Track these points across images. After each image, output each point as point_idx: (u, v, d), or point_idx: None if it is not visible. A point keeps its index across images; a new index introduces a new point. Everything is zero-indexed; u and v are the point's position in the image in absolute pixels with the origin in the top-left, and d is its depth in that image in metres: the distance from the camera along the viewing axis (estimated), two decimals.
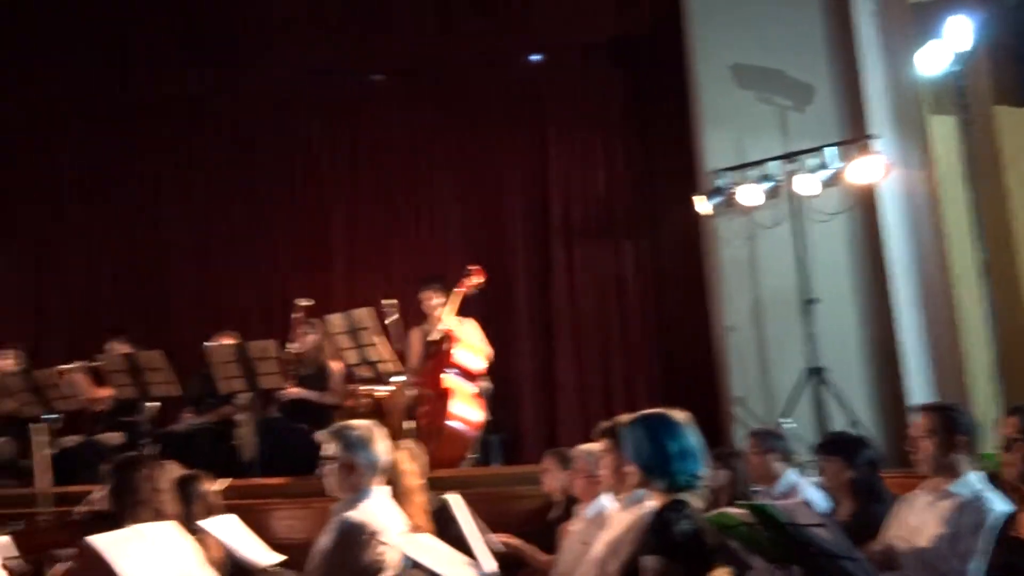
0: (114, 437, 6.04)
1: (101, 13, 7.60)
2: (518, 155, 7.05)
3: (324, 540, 2.78)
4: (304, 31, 7.28)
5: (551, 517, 4.03)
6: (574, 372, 6.66)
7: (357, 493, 2.84)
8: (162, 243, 7.56)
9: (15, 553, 3.09)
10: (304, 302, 5.92)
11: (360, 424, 2.95)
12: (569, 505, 3.82)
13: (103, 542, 2.54)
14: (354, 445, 2.85)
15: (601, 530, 3.00)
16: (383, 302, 5.84)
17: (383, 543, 2.74)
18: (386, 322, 5.75)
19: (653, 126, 6.84)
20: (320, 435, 2.97)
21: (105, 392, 6.12)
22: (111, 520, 2.92)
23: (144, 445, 5.50)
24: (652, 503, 2.48)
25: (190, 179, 7.63)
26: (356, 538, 2.72)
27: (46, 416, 5.47)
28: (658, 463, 2.38)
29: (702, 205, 5.81)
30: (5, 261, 7.89)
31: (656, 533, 2.25)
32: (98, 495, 3.34)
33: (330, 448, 2.89)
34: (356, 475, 2.84)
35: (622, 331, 6.68)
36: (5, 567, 2.90)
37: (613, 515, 2.97)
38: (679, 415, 2.46)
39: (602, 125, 6.98)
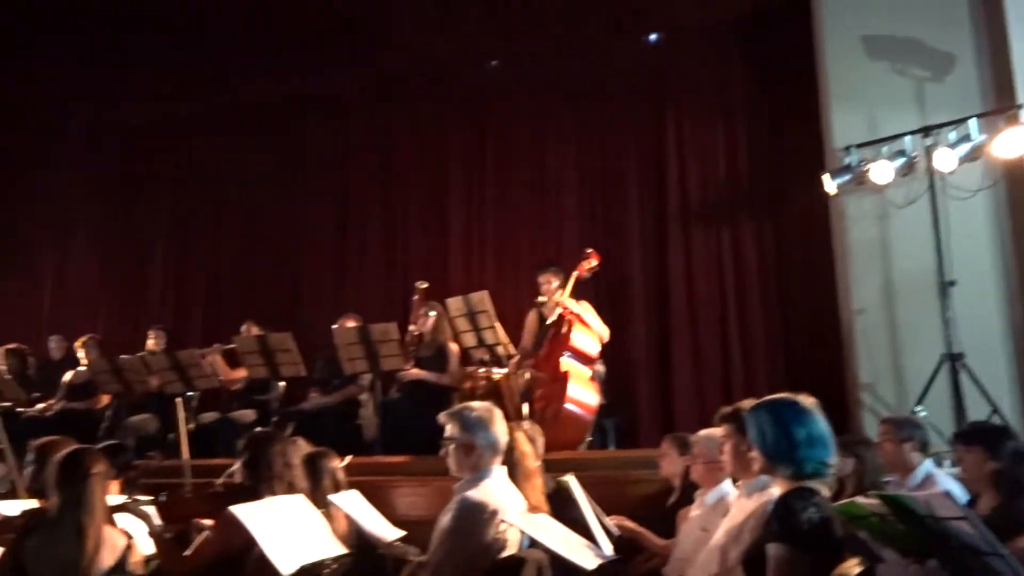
0: (247, 414, 6.38)
1: (228, 14, 8.07)
2: (636, 138, 6.94)
3: (445, 518, 2.83)
4: (425, 19, 7.41)
5: (670, 502, 3.98)
6: (690, 356, 6.53)
7: (477, 473, 2.89)
8: (294, 231, 7.91)
9: (160, 522, 3.30)
10: (423, 285, 6.04)
11: (479, 406, 3.00)
12: (687, 490, 3.77)
13: (242, 511, 2.70)
14: (473, 426, 2.90)
15: (722, 517, 2.94)
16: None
17: (503, 522, 2.78)
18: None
19: (777, 104, 6.59)
20: (441, 416, 3.02)
21: (240, 373, 6.46)
22: (248, 492, 3.09)
23: (274, 423, 5.78)
24: (777, 490, 2.40)
25: (322, 168, 7.93)
26: (477, 517, 2.77)
27: (187, 393, 5.80)
28: (784, 449, 2.30)
29: (830, 184, 5.57)
30: (151, 251, 8.48)
31: (782, 521, 2.18)
32: (235, 468, 3.53)
33: (450, 429, 2.94)
34: (475, 455, 2.88)
35: (741, 315, 6.48)
36: (151, 535, 3.10)
37: (735, 502, 2.90)
38: (807, 400, 2.38)
39: (723, 105, 6.78)
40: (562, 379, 5.13)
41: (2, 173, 9.26)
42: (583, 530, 3.31)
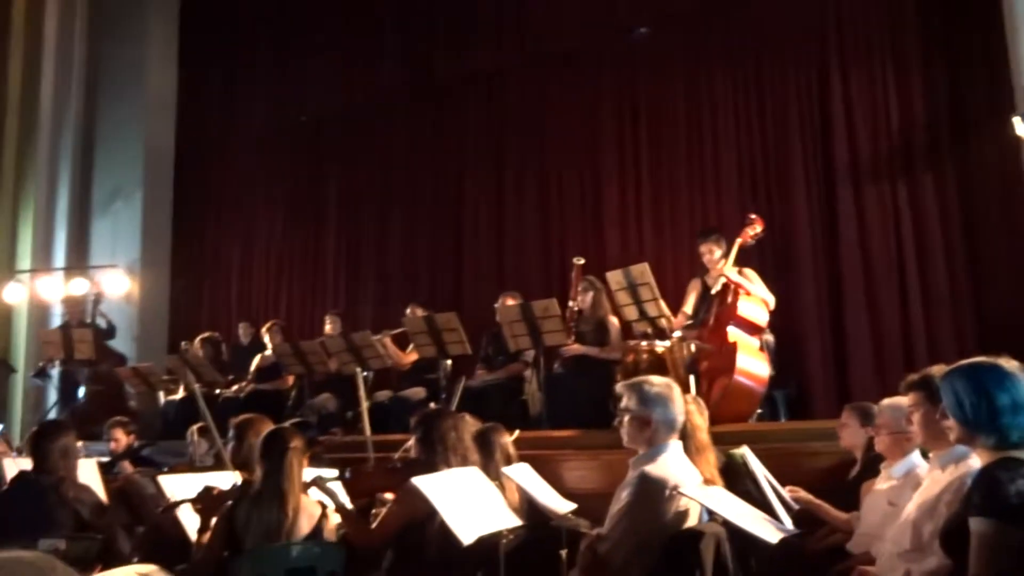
0: (417, 392, 6.64)
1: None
2: (798, 94, 6.56)
3: (624, 494, 2.82)
4: None
5: (851, 475, 3.79)
6: (867, 323, 6.14)
7: (652, 448, 2.86)
8: (455, 212, 8.13)
9: (345, 495, 3.49)
10: (579, 260, 6.04)
11: (659, 381, 2.95)
12: (871, 463, 3.57)
13: (423, 483, 2.81)
14: (651, 401, 2.87)
15: (912, 490, 2.77)
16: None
17: (683, 496, 2.75)
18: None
19: (956, 47, 6.04)
20: (618, 387, 3.01)
21: (410, 356, 6.75)
22: (424, 466, 3.22)
23: (443, 400, 5.99)
24: (977, 461, 2.23)
25: (479, 147, 8.09)
26: (657, 491, 2.75)
27: (363, 373, 6.11)
28: (986, 417, 2.12)
29: (1021, 127, 5.07)
30: (324, 240, 8.97)
31: (986, 494, 2.02)
32: (410, 444, 3.68)
33: (627, 401, 2.92)
34: (650, 430, 2.85)
35: (922, 274, 6.02)
36: (338, 510, 3.29)
37: (927, 474, 2.72)
38: (1010, 364, 2.17)
39: (894, 51, 6.28)
40: (730, 350, 4.98)
41: (191, 173, 10.11)
42: (759, 504, 3.22)
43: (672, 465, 2.83)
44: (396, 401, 6.62)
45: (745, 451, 3.48)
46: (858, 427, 3.79)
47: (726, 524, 2.75)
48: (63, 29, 10.60)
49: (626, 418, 2.90)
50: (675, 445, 2.92)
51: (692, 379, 4.99)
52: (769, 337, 5.47)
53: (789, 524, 3.05)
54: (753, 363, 5.02)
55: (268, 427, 3.68)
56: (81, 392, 8.29)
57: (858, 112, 6.35)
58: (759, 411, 5.28)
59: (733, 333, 5.10)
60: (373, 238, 8.61)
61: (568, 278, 6.26)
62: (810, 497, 3.62)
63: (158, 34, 10.15)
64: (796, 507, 3.51)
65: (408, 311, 6.92)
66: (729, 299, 5.25)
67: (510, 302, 6.26)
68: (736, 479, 3.48)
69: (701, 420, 3.44)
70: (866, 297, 6.17)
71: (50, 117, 10.51)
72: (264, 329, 7.71)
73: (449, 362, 6.21)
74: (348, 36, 8.88)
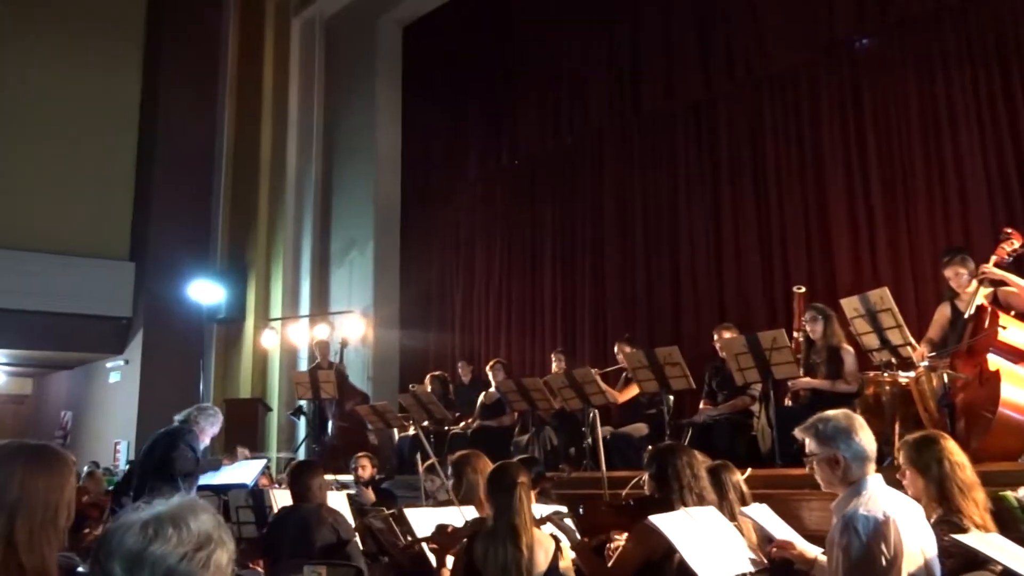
0: (640, 428, 6.56)
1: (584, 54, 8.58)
2: None
3: (838, 541, 2.60)
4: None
5: None
6: None
7: (851, 487, 2.67)
8: (670, 244, 8.03)
9: (577, 531, 3.47)
10: (800, 289, 5.75)
11: (835, 414, 2.78)
12: None
13: (661, 521, 2.75)
14: (832, 438, 2.69)
15: None
16: None
17: (898, 531, 2.49)
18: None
19: None
20: (797, 432, 2.85)
21: (625, 393, 6.70)
22: (660, 503, 3.14)
23: (668, 435, 5.86)
24: None
25: (691, 177, 7.97)
26: (873, 532, 2.51)
27: (587, 409, 6.14)
28: None
29: None
30: (541, 279, 9.18)
31: None
32: (642, 480, 3.61)
33: (809, 444, 2.76)
34: (841, 468, 2.67)
35: None
36: (573, 547, 3.27)
37: None
38: None
39: None
40: (992, 380, 4.46)
41: (416, 222, 10.79)
42: None
43: (880, 498, 2.59)
44: (618, 438, 6.58)
45: (1023, 494, 3.08)
46: None
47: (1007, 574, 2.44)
48: (304, 102, 11.84)
49: (813, 462, 2.73)
50: (875, 479, 2.67)
51: (947, 414, 4.52)
52: None
53: None
54: (1020, 394, 4.47)
55: (485, 462, 3.80)
56: (329, 428, 8.99)
57: None
58: None
59: (994, 361, 4.56)
60: (589, 275, 8.68)
61: (792, 308, 5.95)
62: None
63: (384, 100, 11.03)
64: None
65: (616, 348, 6.89)
66: (987, 323, 4.72)
67: (726, 335, 6.05)
68: (1010, 525, 3.10)
69: (964, 457, 3.09)
70: None
71: (295, 180, 11.72)
72: (488, 367, 7.98)
73: (671, 397, 6.09)
74: (554, 78, 9.16)
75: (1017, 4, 6.09)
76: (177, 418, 5.64)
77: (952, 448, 3.06)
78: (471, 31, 10.18)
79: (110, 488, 8.17)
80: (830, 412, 2.82)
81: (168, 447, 5.37)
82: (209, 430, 5.65)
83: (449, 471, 4.01)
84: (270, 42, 12.27)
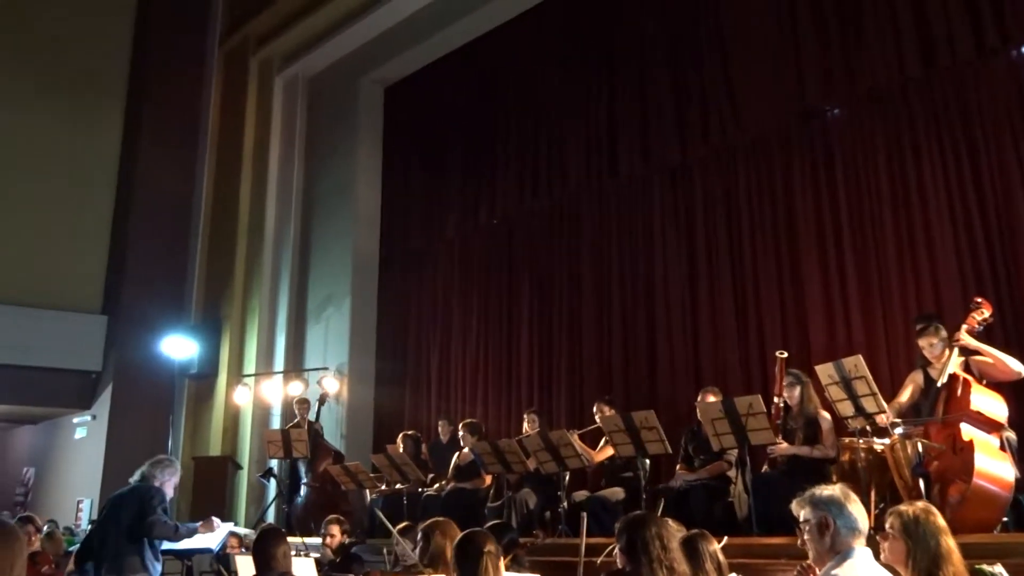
0: (616, 492, 6.48)
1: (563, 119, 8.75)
2: (1022, 161, 5.96)
3: None
4: (760, 81, 7.37)
5: None
6: None
7: (839, 555, 2.73)
8: (646, 307, 8.03)
9: None
10: (783, 354, 5.76)
11: (829, 487, 2.89)
12: None
13: None
14: (825, 503, 2.79)
15: None
16: None
17: None
18: None
19: None
20: (793, 505, 2.91)
21: (601, 455, 6.64)
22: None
23: (644, 501, 5.79)
24: None
25: (668, 241, 8.02)
26: None
27: (560, 472, 6.06)
28: None
29: None
30: (518, 339, 9.14)
31: None
32: (614, 552, 3.55)
33: (803, 514, 2.84)
34: (830, 534, 2.75)
35: None
36: None
37: None
38: None
39: None
40: (966, 450, 4.47)
41: (393, 279, 10.78)
42: None
43: (862, 570, 2.61)
44: (594, 501, 6.49)
45: (1000, 570, 3.05)
46: None
47: None
48: (285, 158, 11.92)
49: (806, 529, 2.81)
50: (863, 551, 2.72)
51: (922, 482, 4.51)
52: (1010, 434, 4.87)
53: None
54: (994, 464, 4.47)
55: (454, 530, 3.80)
56: (302, 488, 8.79)
57: None
58: (1005, 519, 4.67)
59: (968, 431, 4.58)
60: (565, 335, 8.66)
61: (769, 372, 5.96)
62: None
63: (364, 158, 11.12)
64: None
65: (595, 409, 6.86)
66: (959, 392, 4.75)
67: (711, 398, 6.04)
68: None
69: (943, 522, 3.05)
70: None
71: (273, 236, 11.70)
72: (460, 427, 7.89)
73: (648, 461, 6.04)
74: (533, 140, 9.27)
75: (980, 78, 6.28)
76: (133, 479, 5.40)
77: (936, 514, 3.03)
78: (452, 93, 10.34)
79: (70, 549, 7.90)
80: (824, 486, 2.92)
81: (140, 512, 5.13)
82: (171, 481, 5.42)
83: (419, 536, 3.98)
84: (252, 98, 12.35)
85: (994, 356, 4.94)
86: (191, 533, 5.48)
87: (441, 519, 4.03)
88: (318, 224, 11.41)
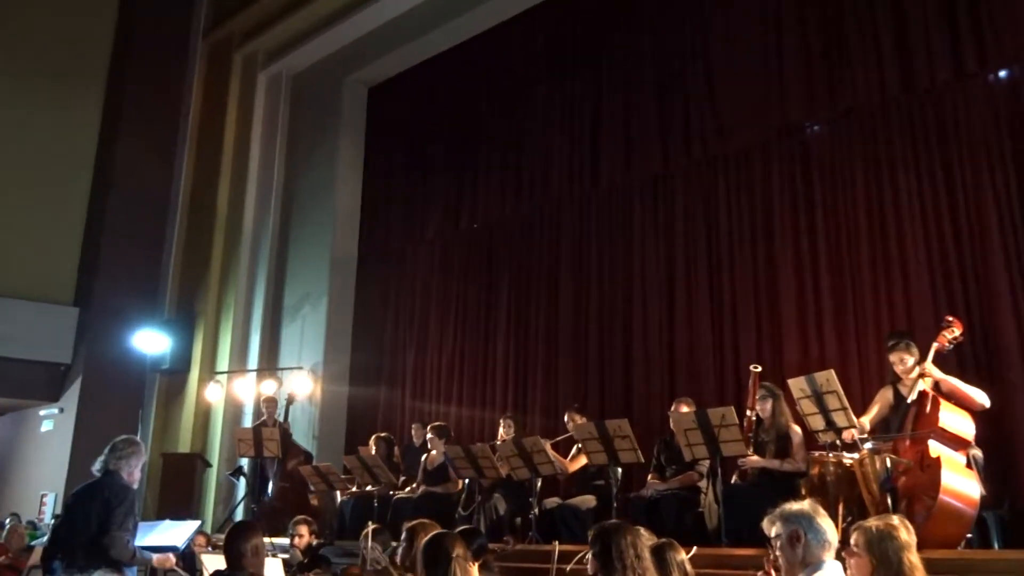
0: (588, 500, 6.48)
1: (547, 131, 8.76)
2: (994, 182, 6.03)
3: None
4: (744, 93, 7.45)
5: None
6: None
7: (809, 567, 2.81)
8: (624, 317, 8.05)
9: None
10: (757, 368, 5.80)
11: (799, 503, 2.98)
12: None
13: None
14: (796, 517, 2.86)
15: None
16: None
17: None
18: None
19: None
20: (764, 522, 2.97)
21: (574, 463, 6.64)
22: None
23: (616, 509, 5.80)
24: None
25: (647, 253, 8.04)
26: None
27: (532, 479, 6.05)
28: None
29: None
30: (494, 343, 9.13)
31: None
32: (585, 558, 3.56)
33: (774, 529, 2.90)
34: (801, 546, 2.82)
35: None
36: None
37: None
38: None
39: None
40: (933, 466, 4.52)
41: (371, 279, 10.73)
42: None
43: None
44: (565, 509, 6.49)
45: None
46: None
47: None
48: (265, 155, 11.83)
49: (777, 544, 2.87)
50: (833, 564, 2.80)
51: (890, 497, 4.55)
52: (977, 452, 4.94)
53: None
54: (961, 481, 4.53)
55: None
56: (270, 488, 8.71)
57: None
58: (969, 535, 4.73)
59: (935, 448, 4.63)
60: (542, 341, 8.67)
61: (743, 384, 5.99)
62: None
63: (346, 157, 11.08)
64: None
65: (566, 417, 6.86)
66: (928, 409, 4.80)
67: (684, 408, 6.07)
68: None
69: (910, 537, 3.06)
70: None
71: (251, 232, 11.60)
72: (428, 430, 7.83)
73: (620, 470, 6.06)
74: (516, 146, 9.28)
75: (958, 101, 6.38)
76: (95, 470, 5.06)
77: (902, 529, 3.03)
78: (435, 96, 10.33)
79: (32, 544, 7.77)
80: (793, 503, 2.99)
81: (106, 515, 4.76)
82: (136, 465, 5.02)
83: (403, 536, 3.97)
84: (235, 94, 12.25)
85: (959, 391, 4.98)
86: (145, 564, 5.14)
87: (426, 521, 4.02)
88: (297, 222, 11.34)
